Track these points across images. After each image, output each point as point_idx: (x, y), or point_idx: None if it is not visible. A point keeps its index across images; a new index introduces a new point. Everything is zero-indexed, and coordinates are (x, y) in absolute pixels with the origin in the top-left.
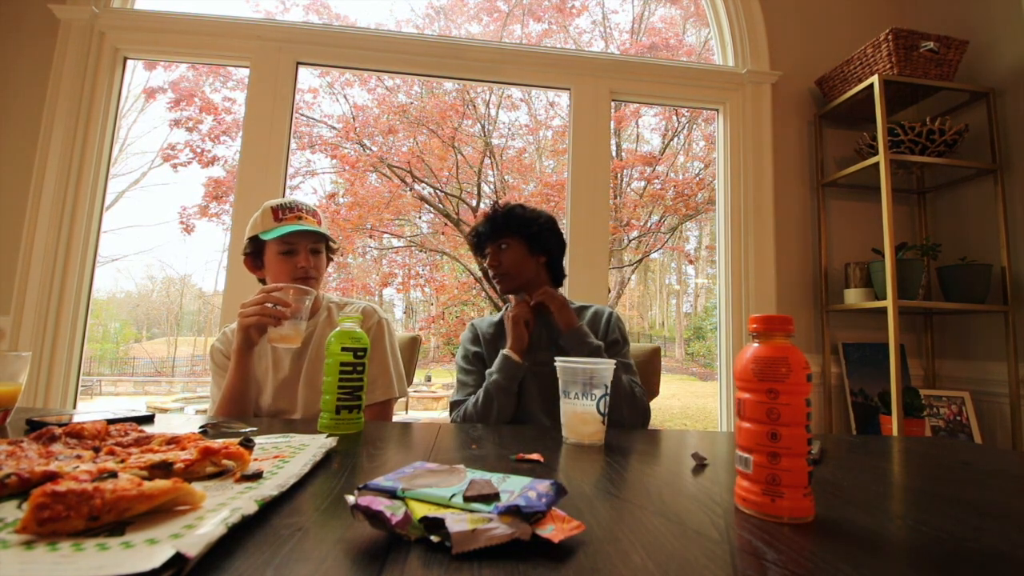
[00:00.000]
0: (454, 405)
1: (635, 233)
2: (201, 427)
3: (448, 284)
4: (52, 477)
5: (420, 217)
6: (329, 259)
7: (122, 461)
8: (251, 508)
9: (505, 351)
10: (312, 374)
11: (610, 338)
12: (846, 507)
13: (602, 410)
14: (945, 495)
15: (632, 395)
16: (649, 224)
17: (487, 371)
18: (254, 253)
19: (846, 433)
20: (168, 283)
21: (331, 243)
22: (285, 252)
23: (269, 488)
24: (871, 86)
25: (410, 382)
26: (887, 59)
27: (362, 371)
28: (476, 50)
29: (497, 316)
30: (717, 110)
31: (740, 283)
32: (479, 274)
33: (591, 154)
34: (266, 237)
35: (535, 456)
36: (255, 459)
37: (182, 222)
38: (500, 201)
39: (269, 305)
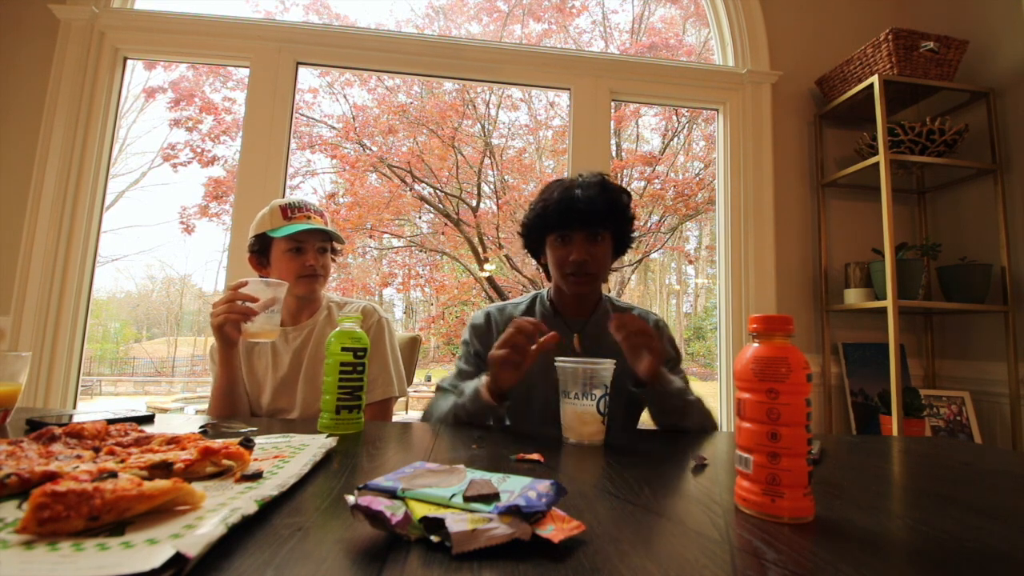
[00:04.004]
0: (439, 389)
1: (635, 233)
2: (201, 427)
3: (448, 284)
4: (52, 477)
5: (420, 217)
6: (333, 259)
7: (122, 461)
8: (251, 508)
9: (480, 386)
10: (312, 373)
11: (667, 356)
12: (846, 507)
13: (602, 410)
14: (945, 495)
15: (705, 410)
16: (649, 224)
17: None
18: (260, 251)
19: (846, 433)
20: (168, 283)
21: (336, 243)
22: (293, 250)
23: (269, 488)
24: (871, 86)
25: (410, 382)
26: (887, 59)
27: (362, 371)
28: (476, 50)
29: (522, 300)
30: (717, 110)
31: (740, 283)
32: (479, 274)
33: (591, 154)
34: (275, 235)
35: (535, 456)
36: (255, 459)
37: (182, 222)
38: (588, 176)
39: (239, 303)
